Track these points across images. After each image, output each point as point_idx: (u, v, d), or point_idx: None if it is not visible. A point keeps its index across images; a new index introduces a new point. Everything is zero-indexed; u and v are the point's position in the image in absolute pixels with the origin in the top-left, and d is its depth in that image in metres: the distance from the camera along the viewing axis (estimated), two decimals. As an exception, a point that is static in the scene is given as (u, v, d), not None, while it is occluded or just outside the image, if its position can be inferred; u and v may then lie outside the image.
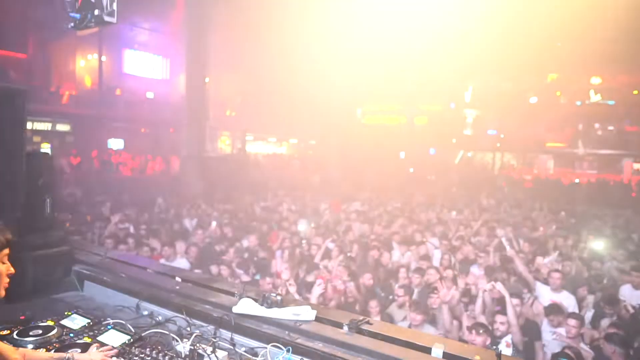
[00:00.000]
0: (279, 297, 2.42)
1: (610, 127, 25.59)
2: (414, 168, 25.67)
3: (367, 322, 2.24)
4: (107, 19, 3.37)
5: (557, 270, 5.35)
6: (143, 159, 18.22)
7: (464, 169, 25.88)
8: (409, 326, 4.27)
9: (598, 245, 7.59)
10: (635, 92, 27.39)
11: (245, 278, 5.38)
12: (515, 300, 4.57)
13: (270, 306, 2.39)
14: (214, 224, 8.00)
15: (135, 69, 24.70)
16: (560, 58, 23.69)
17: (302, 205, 11.81)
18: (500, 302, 4.55)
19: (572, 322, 4.23)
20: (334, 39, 20.04)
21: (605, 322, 4.82)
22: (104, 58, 21.67)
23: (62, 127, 21.12)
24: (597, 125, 26.01)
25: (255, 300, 2.47)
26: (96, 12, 3.37)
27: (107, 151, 20.10)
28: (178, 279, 3.06)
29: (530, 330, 4.48)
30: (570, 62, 24.48)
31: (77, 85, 21.90)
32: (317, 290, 3.87)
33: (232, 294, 2.64)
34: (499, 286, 4.35)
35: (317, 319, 2.32)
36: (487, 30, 20.37)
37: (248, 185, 14.34)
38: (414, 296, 5.14)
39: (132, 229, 7.88)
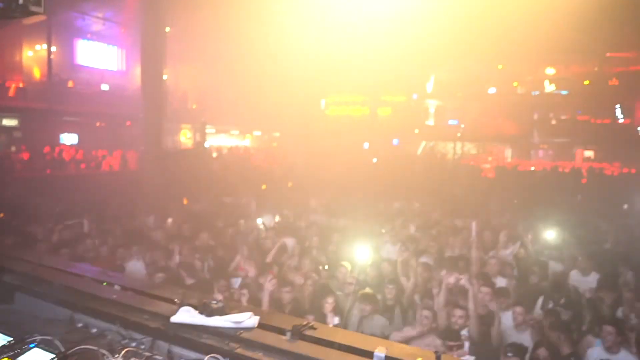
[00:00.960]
0: (220, 304, 2.32)
1: (564, 117, 26.62)
2: (378, 158, 25.90)
3: (311, 327, 2.18)
4: (33, 9, 3.11)
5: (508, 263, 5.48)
6: (98, 154, 17.49)
7: (426, 159, 26.34)
8: (360, 318, 4.25)
9: (550, 233, 7.83)
10: (587, 82, 28.60)
11: (190, 281, 5.21)
12: (486, 289, 4.64)
13: (210, 314, 2.28)
14: (169, 220, 7.75)
15: (89, 59, 23.61)
16: (517, 48, 24.36)
17: (264, 199, 11.64)
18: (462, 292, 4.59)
19: (517, 309, 4.34)
20: (296, 29, 19.80)
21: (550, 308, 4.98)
22: (53, 48, 20.54)
23: (9, 122, 19.98)
24: (551, 115, 27.00)
25: (196, 308, 2.35)
26: (20, 1, 3.12)
27: (60, 146, 19.16)
28: (117, 286, 2.89)
29: (487, 319, 4.56)
30: (526, 52, 25.24)
31: (24, 77, 20.72)
32: (268, 287, 3.78)
33: (173, 302, 2.51)
34: (464, 280, 4.38)
35: (260, 326, 2.23)
36: (448, 21, 20.67)
37: (208, 179, 14.04)
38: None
39: (82, 229, 7.53)
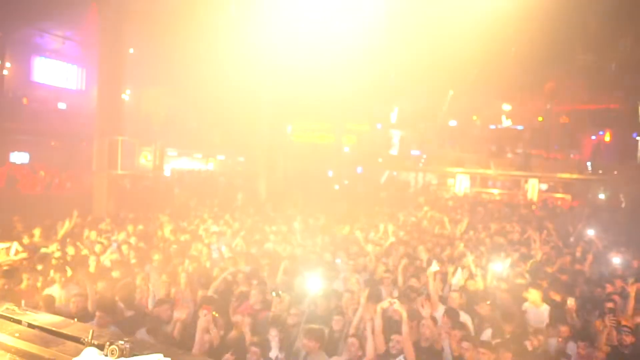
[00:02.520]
0: (127, 345, 2.14)
1: (519, 150, 27.82)
2: (341, 186, 26.05)
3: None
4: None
5: (456, 290, 5.49)
6: (48, 174, 16.73)
7: (389, 188, 26.71)
8: (305, 354, 4.11)
9: (501, 262, 7.96)
10: (540, 118, 30.14)
11: (129, 312, 4.92)
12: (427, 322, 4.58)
13: (115, 356, 2.10)
14: (113, 245, 7.39)
15: (46, 77, 22.89)
16: (475, 85, 25.47)
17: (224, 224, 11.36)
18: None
19: (464, 344, 4.31)
20: (264, 55, 19.97)
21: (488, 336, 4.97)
22: (8, 64, 19.82)
23: (-44, 139, 18.92)
24: (507, 148, 28.17)
25: (102, 348, 2.17)
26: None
27: (7, 165, 18.22)
28: (25, 322, 2.65)
29: (430, 352, 4.50)
30: (485, 88, 26.43)
31: (-25, 93, 19.83)
32: (201, 323, 3.58)
33: (81, 342, 2.31)
34: (397, 305, 4.33)
35: (171, 369, 2.07)
36: (411, 56, 21.42)
37: (165, 203, 13.64)
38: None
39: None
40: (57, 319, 3.31)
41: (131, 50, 20.75)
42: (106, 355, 2.12)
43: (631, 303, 6.19)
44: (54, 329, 2.50)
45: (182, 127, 25.07)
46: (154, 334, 4.64)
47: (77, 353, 2.16)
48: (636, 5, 17.25)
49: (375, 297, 5.82)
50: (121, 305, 5.43)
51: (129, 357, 2.11)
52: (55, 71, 23.22)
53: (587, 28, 19.21)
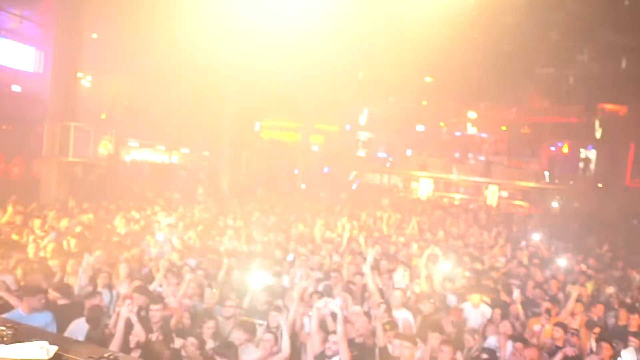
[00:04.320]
0: (9, 332, 1.96)
1: (481, 157, 28.56)
2: (307, 185, 25.95)
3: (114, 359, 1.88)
4: None
5: (398, 289, 5.49)
6: (-4, 159, 15.87)
7: (354, 189, 26.85)
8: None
9: (451, 264, 8.06)
10: (504, 128, 31.03)
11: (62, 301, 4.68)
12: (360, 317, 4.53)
13: (-5, 343, 1.91)
14: (52, 235, 7.02)
15: (0, 58, 21.70)
16: (443, 92, 25.97)
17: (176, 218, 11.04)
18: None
19: (395, 342, 4.28)
20: (232, 49, 19.64)
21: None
22: (-43, 41, 18.67)
23: None
24: (470, 155, 28.85)
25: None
26: None
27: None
28: None
29: (363, 348, 4.46)
30: (452, 96, 26.96)
31: None
32: (123, 313, 3.40)
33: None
34: (332, 305, 4.27)
35: (56, 357, 1.90)
36: (380, 61, 21.58)
37: (120, 194, 13.16)
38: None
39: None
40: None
41: (94, 36, 20.01)
42: (-14, 342, 1.92)
43: (572, 303, 6.39)
44: None
45: (145, 118, 24.31)
46: (93, 325, 4.57)
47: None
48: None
49: (327, 295, 5.77)
50: (54, 292, 5.19)
51: (11, 343, 1.92)
52: (10, 52, 22.02)
53: (549, 42, 19.83)
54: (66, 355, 1.89)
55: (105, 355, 1.87)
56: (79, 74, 15.13)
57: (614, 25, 16.53)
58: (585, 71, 22.20)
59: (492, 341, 5.26)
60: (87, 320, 4.62)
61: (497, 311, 5.96)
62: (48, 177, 12.03)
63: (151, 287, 5.42)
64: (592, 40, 19.92)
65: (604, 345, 4.81)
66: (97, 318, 4.68)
